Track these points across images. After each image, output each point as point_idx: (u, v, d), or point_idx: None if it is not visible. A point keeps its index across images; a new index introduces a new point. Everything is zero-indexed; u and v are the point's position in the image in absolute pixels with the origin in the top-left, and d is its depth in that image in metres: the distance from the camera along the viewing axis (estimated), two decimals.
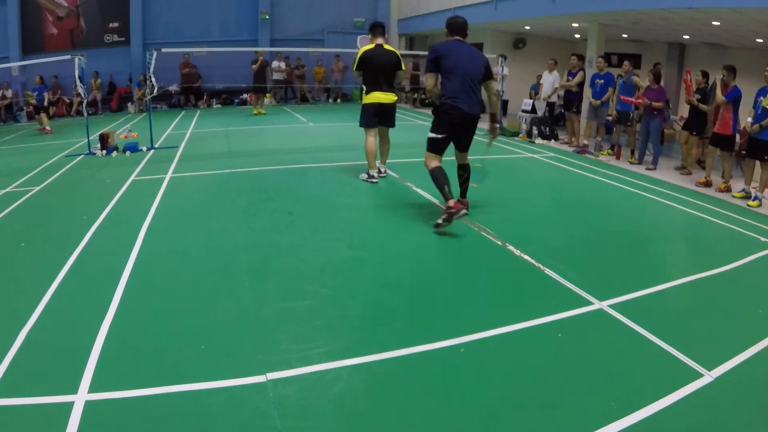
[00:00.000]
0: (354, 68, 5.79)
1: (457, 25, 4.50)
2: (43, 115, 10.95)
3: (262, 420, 2.08)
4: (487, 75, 4.48)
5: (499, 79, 11.05)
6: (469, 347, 2.64)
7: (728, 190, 6.31)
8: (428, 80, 4.47)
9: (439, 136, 4.39)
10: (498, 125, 4.92)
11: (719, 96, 6.28)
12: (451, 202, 4.20)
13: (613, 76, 8.37)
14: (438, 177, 4.34)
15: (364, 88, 5.79)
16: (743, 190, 6.08)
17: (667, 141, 8.57)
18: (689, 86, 6.95)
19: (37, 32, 14.36)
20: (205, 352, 2.55)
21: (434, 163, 4.41)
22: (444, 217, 4.16)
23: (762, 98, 5.71)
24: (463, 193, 4.68)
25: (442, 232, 4.22)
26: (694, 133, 7.08)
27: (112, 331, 2.73)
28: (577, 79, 8.58)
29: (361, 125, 5.90)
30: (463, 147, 4.59)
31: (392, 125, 5.98)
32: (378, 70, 5.66)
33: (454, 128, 4.38)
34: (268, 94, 13.59)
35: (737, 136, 6.55)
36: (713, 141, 6.52)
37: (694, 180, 6.77)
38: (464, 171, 4.68)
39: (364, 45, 5.98)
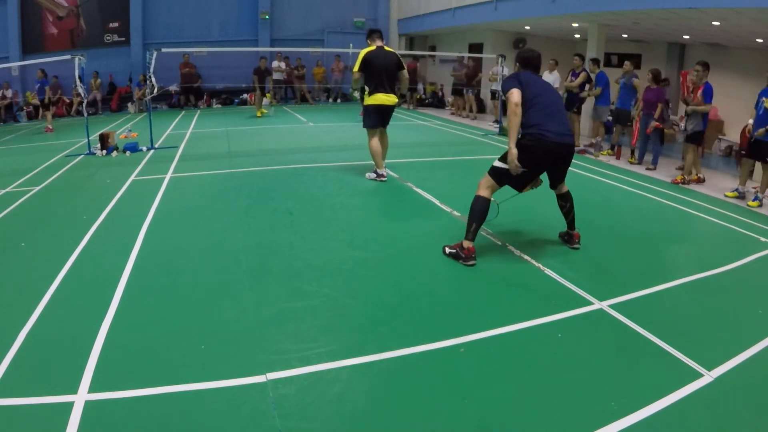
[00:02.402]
0: (356, 69, 5.75)
1: (532, 59, 3.89)
2: (47, 113, 10.95)
3: (262, 420, 2.08)
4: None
5: (499, 79, 11.07)
6: (469, 347, 2.64)
7: (700, 181, 6.66)
8: (513, 96, 3.56)
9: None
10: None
11: (698, 99, 6.38)
12: (467, 244, 3.66)
13: (604, 74, 8.49)
14: (476, 210, 3.68)
15: (367, 89, 5.78)
16: (736, 189, 6.09)
17: (667, 141, 8.57)
18: (686, 85, 6.94)
19: (37, 32, 14.37)
20: (205, 352, 2.55)
21: (485, 192, 3.72)
22: (452, 252, 3.74)
23: (765, 99, 5.70)
24: (571, 224, 4.05)
25: (443, 234, 4.22)
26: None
27: (112, 331, 2.73)
28: (580, 79, 8.57)
29: (364, 126, 5.91)
30: (557, 181, 3.95)
31: (387, 124, 6.08)
32: (381, 71, 5.71)
33: (543, 161, 3.67)
34: (268, 94, 13.61)
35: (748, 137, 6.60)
36: (687, 137, 6.70)
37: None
38: (565, 200, 3.99)
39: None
